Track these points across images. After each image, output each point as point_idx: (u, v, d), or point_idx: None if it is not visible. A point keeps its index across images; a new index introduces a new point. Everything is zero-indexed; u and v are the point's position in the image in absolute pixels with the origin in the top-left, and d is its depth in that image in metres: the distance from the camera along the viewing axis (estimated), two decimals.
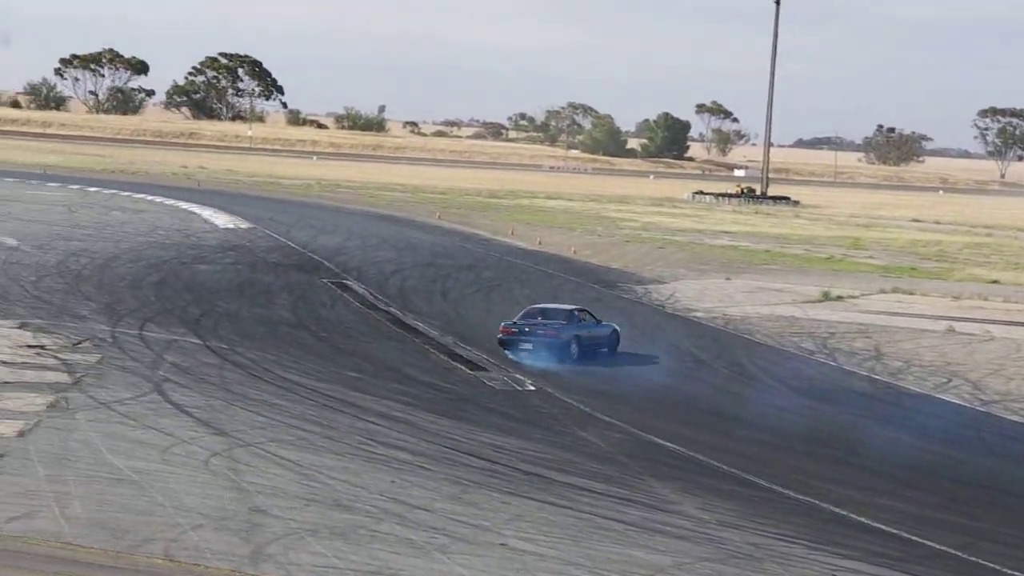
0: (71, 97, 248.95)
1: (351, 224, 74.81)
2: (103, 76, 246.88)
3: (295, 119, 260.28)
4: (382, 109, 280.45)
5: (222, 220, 70.30)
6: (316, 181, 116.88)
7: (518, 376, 32.92)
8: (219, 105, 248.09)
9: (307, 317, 40.36)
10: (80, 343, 31.66)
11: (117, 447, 21.95)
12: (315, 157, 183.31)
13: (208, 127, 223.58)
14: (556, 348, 35.40)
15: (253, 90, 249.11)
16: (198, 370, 29.83)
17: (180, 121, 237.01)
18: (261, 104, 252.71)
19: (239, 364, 31.22)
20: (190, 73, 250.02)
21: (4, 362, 28.35)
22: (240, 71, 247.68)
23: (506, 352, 35.64)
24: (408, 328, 40.00)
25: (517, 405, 29.90)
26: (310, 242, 62.44)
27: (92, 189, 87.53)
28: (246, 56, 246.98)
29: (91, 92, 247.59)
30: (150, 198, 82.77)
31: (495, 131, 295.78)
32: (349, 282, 49.16)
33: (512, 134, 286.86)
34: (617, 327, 38.30)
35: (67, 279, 43.14)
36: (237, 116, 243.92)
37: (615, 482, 23.26)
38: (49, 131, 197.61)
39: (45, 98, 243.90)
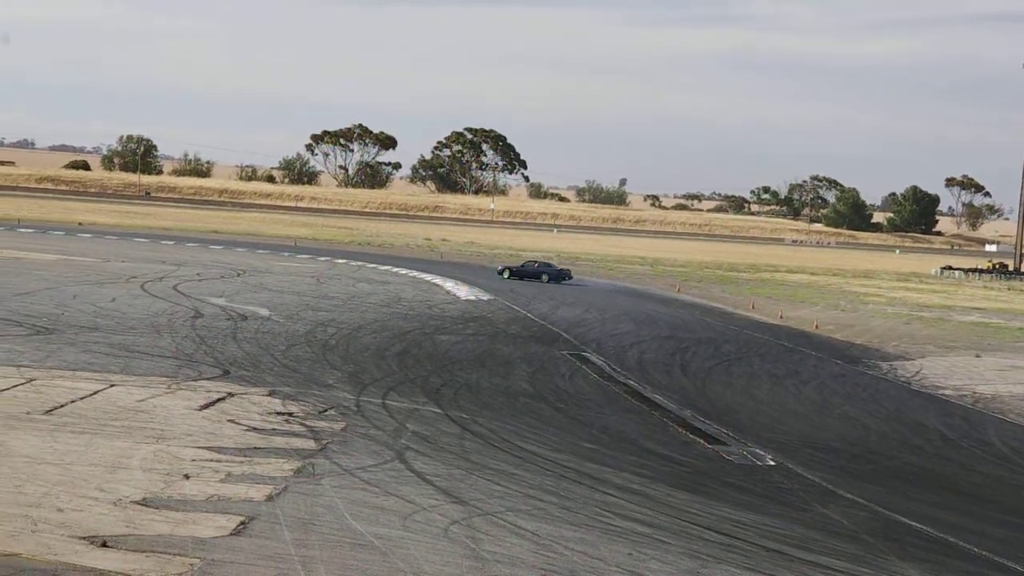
0: (322, 172, 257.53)
1: (590, 297, 75.13)
2: (352, 151, 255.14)
3: (537, 192, 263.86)
4: (623, 182, 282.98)
5: (464, 292, 71.41)
6: (556, 254, 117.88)
7: (758, 451, 32.42)
8: (463, 179, 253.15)
9: (545, 388, 40.57)
10: (326, 411, 32.45)
11: (360, 513, 22.35)
12: (556, 230, 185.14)
13: (452, 200, 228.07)
14: (555, 276, 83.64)
15: (496, 164, 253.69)
16: (438, 439, 30.23)
17: (425, 194, 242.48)
18: (504, 178, 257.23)
19: (478, 434, 31.53)
20: (436, 148, 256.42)
21: (255, 428, 29.25)
22: (484, 146, 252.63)
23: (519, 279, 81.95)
24: (646, 401, 39.83)
25: (756, 480, 29.43)
26: (549, 314, 62.92)
27: (340, 261, 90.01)
28: (491, 131, 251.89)
29: (341, 167, 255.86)
30: (395, 270, 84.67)
31: (737, 204, 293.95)
32: (588, 354, 49.28)
33: (754, 207, 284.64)
34: (567, 269, 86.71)
35: (315, 348, 44.31)
36: (480, 189, 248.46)
37: (859, 561, 22.64)
38: (301, 205, 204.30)
39: (298, 173, 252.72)
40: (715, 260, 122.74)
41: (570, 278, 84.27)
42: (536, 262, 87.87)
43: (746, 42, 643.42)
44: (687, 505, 25.79)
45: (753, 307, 74.51)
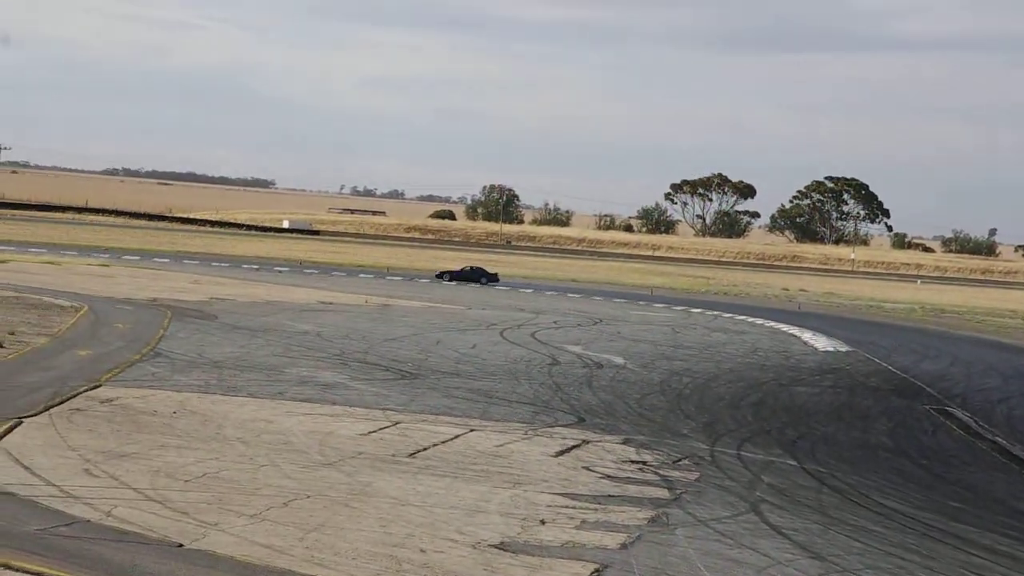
0: (679, 221, 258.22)
1: (956, 350, 72.46)
2: (711, 200, 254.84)
3: (900, 242, 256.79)
4: (992, 232, 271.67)
5: (822, 343, 70.07)
6: (920, 305, 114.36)
7: None
8: (823, 228, 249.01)
9: (907, 443, 39.30)
10: (680, 460, 32.35)
11: (714, 565, 22.13)
12: (919, 281, 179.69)
13: (811, 250, 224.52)
14: (488, 278, 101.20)
15: (858, 214, 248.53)
16: (794, 492, 29.67)
17: (783, 244, 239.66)
18: (865, 227, 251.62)
19: (836, 488, 30.79)
20: (795, 197, 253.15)
21: (609, 476, 29.43)
22: (845, 195, 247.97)
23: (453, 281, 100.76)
24: (1016, 459, 38.05)
25: None
26: (911, 367, 61.01)
27: (695, 310, 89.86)
28: (852, 180, 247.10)
29: (698, 216, 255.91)
30: (751, 320, 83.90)
31: None
32: (952, 409, 47.48)
33: None
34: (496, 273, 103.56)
35: (669, 397, 44.32)
36: (840, 239, 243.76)
37: None
38: (658, 254, 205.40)
39: (655, 222, 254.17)
40: None
41: (497, 281, 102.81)
42: (471, 267, 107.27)
43: None
44: None
45: None
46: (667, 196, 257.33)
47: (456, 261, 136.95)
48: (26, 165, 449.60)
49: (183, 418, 32.02)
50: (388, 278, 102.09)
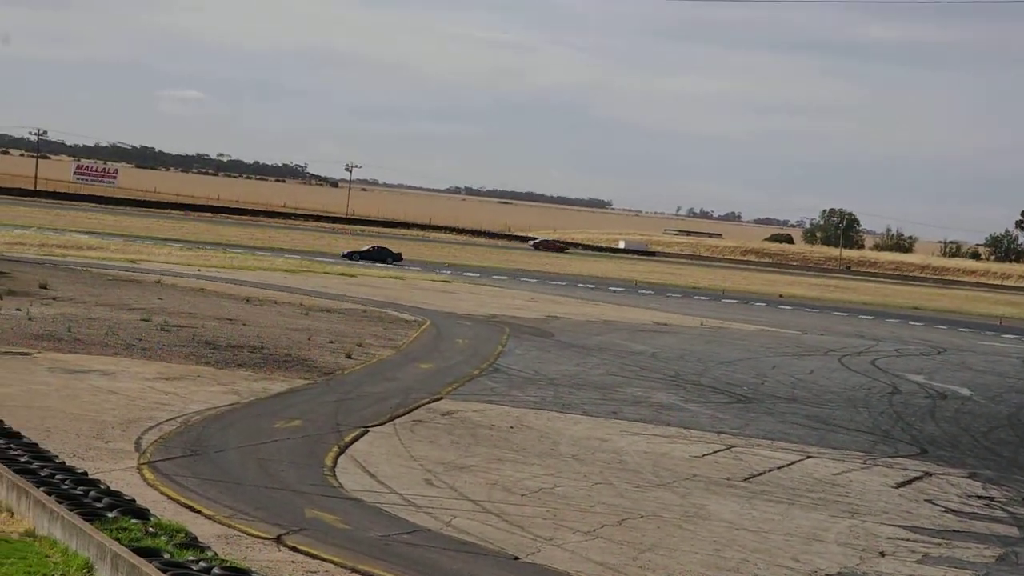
0: None
1: None
2: None
3: None
4: None
5: None
6: None
7: None
8: None
9: None
10: None
11: None
12: None
13: None
14: (393, 257, 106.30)
15: None
16: None
17: None
18: None
19: None
20: None
21: (953, 510, 28.32)
22: None
23: (359, 261, 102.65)
24: None
25: None
26: None
27: None
28: None
29: None
30: None
31: None
32: None
33: None
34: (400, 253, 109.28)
35: (1019, 432, 42.38)
36: None
37: None
38: (1007, 283, 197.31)
39: (1005, 250, 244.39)
40: None
41: (401, 260, 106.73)
42: (376, 247, 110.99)
43: None
44: None
45: None
46: (1018, 224, 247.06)
47: (793, 285, 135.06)
48: (375, 183, 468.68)
49: (519, 433, 32.50)
50: (723, 301, 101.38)
